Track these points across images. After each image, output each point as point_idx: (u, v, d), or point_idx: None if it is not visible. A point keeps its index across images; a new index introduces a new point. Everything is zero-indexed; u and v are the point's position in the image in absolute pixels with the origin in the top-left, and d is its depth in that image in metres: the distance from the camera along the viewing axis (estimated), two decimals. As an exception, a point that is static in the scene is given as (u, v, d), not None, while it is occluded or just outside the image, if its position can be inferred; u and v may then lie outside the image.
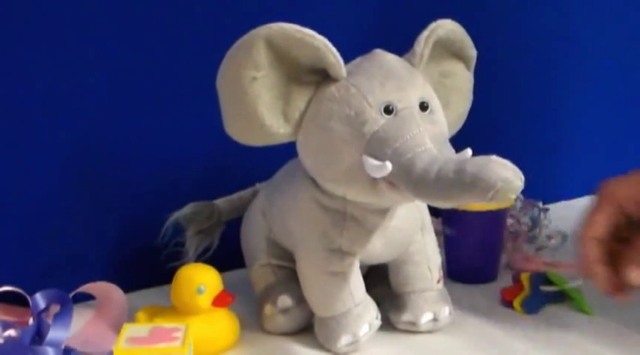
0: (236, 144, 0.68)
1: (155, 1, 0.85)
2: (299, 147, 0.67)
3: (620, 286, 0.63)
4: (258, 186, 0.86)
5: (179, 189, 0.88)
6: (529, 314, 0.78)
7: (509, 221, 0.93)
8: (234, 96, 0.64)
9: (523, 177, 0.56)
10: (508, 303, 0.79)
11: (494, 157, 0.56)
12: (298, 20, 0.62)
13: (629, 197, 0.64)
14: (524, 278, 0.80)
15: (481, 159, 0.56)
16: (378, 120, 0.62)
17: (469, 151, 0.61)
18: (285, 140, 0.66)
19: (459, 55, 0.73)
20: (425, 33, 0.67)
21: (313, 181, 0.68)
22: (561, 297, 0.80)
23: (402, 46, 0.69)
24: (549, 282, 0.80)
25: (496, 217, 0.85)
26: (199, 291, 0.68)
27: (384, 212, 0.68)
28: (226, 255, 0.82)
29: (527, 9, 1.13)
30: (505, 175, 0.55)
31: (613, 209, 0.64)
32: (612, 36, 1.23)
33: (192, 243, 0.82)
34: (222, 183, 0.88)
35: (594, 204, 0.65)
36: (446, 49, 0.71)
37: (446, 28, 0.69)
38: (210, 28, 0.88)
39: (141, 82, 0.86)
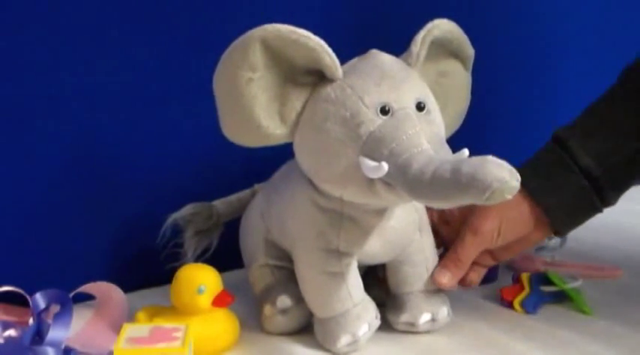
0: (235, 145, 0.68)
1: (153, 2, 0.85)
2: (295, 149, 0.67)
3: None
4: (256, 186, 0.86)
5: (178, 189, 0.88)
6: (529, 314, 0.77)
7: (510, 221, 0.92)
8: (230, 98, 0.64)
9: (519, 178, 0.56)
10: (508, 303, 0.79)
11: (490, 157, 0.56)
12: (294, 21, 0.62)
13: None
14: (524, 278, 0.80)
15: (477, 159, 0.56)
16: (374, 121, 0.62)
17: (466, 151, 0.60)
18: (281, 141, 0.66)
19: (456, 55, 0.73)
20: (421, 33, 0.67)
21: (310, 182, 0.68)
22: (561, 297, 0.80)
23: (398, 46, 0.69)
24: (549, 282, 0.80)
25: (496, 217, 0.85)
26: (199, 291, 0.68)
27: (381, 212, 0.68)
28: (226, 255, 0.82)
29: (526, 8, 1.13)
30: (501, 175, 0.55)
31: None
32: (613, 36, 1.23)
33: (190, 244, 0.81)
34: (221, 184, 0.88)
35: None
36: (443, 49, 0.71)
37: (442, 27, 0.68)
38: (208, 28, 0.88)
39: (139, 83, 0.86)
